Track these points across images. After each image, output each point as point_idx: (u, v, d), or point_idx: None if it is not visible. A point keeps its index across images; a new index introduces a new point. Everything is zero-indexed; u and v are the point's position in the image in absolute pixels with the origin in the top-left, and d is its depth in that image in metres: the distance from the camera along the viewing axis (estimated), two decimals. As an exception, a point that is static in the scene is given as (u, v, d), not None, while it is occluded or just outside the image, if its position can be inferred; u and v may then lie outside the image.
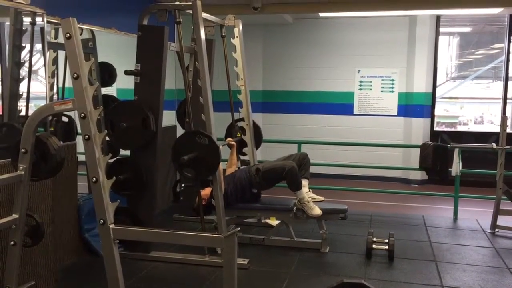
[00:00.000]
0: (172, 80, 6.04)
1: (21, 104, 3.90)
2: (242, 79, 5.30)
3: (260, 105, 8.71)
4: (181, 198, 5.53)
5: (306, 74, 8.72)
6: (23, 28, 3.76)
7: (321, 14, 7.58)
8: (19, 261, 3.13)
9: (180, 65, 4.57)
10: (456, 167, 5.73)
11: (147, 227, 3.53)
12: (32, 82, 3.94)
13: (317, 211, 4.44)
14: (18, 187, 3.05)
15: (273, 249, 4.65)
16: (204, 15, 4.32)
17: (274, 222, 5.15)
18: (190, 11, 4.07)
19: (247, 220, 5.16)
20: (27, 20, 3.77)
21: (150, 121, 4.08)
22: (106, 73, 5.07)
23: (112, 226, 2.92)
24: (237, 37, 5.24)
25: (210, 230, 4.42)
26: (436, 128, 8.57)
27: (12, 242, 3.09)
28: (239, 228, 3.04)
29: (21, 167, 3.01)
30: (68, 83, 4.48)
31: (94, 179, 2.89)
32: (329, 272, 4.15)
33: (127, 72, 4.20)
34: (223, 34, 5.14)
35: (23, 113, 3.89)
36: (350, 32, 8.47)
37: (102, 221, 2.91)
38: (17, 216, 3.06)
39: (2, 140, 3.50)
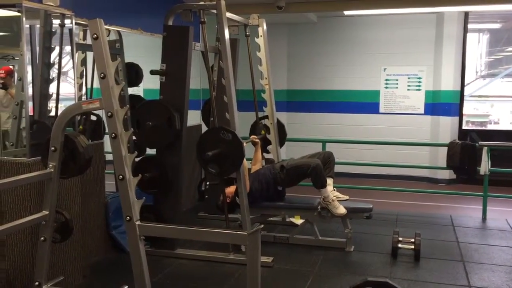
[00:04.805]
0: (197, 79, 6.10)
1: (51, 105, 4.00)
2: (266, 78, 5.31)
3: (285, 104, 8.71)
4: (206, 196, 5.58)
5: (331, 72, 8.67)
6: (53, 30, 3.86)
7: (346, 12, 7.53)
8: (48, 256, 3.23)
9: (205, 64, 4.61)
10: (485, 166, 5.62)
11: (172, 224, 3.58)
12: (61, 83, 4.03)
13: (341, 210, 4.42)
14: (48, 184, 3.14)
15: (298, 248, 4.64)
16: (228, 14, 4.35)
17: (298, 220, 5.15)
18: (215, 11, 4.11)
19: (271, 218, 5.17)
20: (56, 22, 3.86)
21: (175, 120, 4.13)
22: (133, 74, 5.15)
23: (138, 222, 2.98)
24: (261, 36, 5.26)
25: (235, 228, 4.45)
26: (464, 127, 8.41)
27: (42, 238, 3.18)
28: (262, 226, 3.04)
29: (51, 165, 3.10)
30: (96, 84, 4.57)
31: (121, 176, 2.96)
32: (353, 271, 4.13)
33: (152, 72, 4.27)
34: (247, 33, 5.16)
35: (52, 113, 3.99)
36: (375, 30, 8.39)
37: (128, 217, 2.97)
38: (47, 212, 3.15)
39: (34, 137, 3.59)
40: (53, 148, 3.08)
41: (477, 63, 10.20)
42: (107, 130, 3.22)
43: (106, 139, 3.85)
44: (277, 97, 5.70)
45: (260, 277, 2.88)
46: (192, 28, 4.28)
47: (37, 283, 3.22)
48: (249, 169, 4.76)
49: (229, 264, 4.20)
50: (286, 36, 8.74)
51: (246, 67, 5.28)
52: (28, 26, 3.64)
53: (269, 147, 5.38)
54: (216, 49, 5.08)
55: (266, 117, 5.38)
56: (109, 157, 3.93)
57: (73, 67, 4.05)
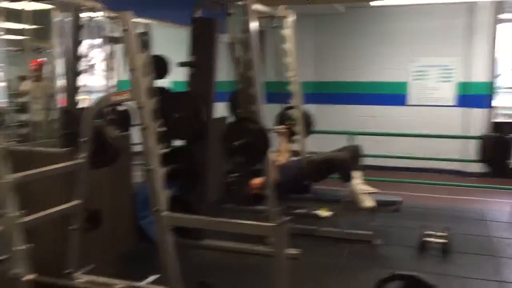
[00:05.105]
0: (224, 71, 6.09)
1: (81, 96, 4.07)
2: (293, 70, 5.27)
3: (312, 96, 8.63)
4: (232, 188, 5.59)
5: (359, 64, 8.56)
6: (83, 23, 3.91)
7: (372, 3, 7.41)
8: (79, 245, 3.29)
9: (232, 56, 4.60)
10: (517, 159, 5.47)
11: (199, 215, 3.60)
12: (91, 76, 4.10)
13: (369, 202, 4.37)
14: (78, 174, 3.20)
15: (324, 240, 4.62)
16: (256, 6, 4.33)
17: (325, 213, 5.12)
18: (242, 2, 4.09)
19: (298, 211, 5.15)
20: (86, 15, 3.92)
21: (202, 111, 4.15)
22: (161, 66, 5.17)
23: (165, 213, 3.01)
24: (288, 27, 5.22)
25: (262, 220, 4.44)
26: (496, 119, 8.20)
27: (73, 228, 3.25)
28: (289, 217, 3.04)
29: (81, 156, 3.16)
30: (125, 76, 4.62)
31: (149, 168, 2.99)
32: (380, 264, 4.09)
33: (180, 64, 4.30)
34: (275, 25, 5.13)
35: (82, 105, 4.06)
36: (404, 20, 8.23)
37: (156, 208, 3.00)
38: (78, 202, 3.22)
39: (65, 127, 3.67)
40: (83, 139, 3.14)
41: (510, 54, 9.90)
42: (134, 122, 3.26)
43: (133, 130, 3.90)
44: (304, 89, 5.65)
45: (287, 269, 2.88)
46: (219, 20, 4.28)
47: (68, 271, 3.30)
48: (275, 161, 4.75)
49: (257, 256, 4.20)
50: (314, 27, 8.66)
51: (272, 59, 5.25)
52: (59, 19, 3.71)
53: (294, 138, 5.34)
54: (243, 40, 5.06)
55: (292, 107, 5.35)
56: (136, 148, 3.98)
57: (103, 60, 4.11)
